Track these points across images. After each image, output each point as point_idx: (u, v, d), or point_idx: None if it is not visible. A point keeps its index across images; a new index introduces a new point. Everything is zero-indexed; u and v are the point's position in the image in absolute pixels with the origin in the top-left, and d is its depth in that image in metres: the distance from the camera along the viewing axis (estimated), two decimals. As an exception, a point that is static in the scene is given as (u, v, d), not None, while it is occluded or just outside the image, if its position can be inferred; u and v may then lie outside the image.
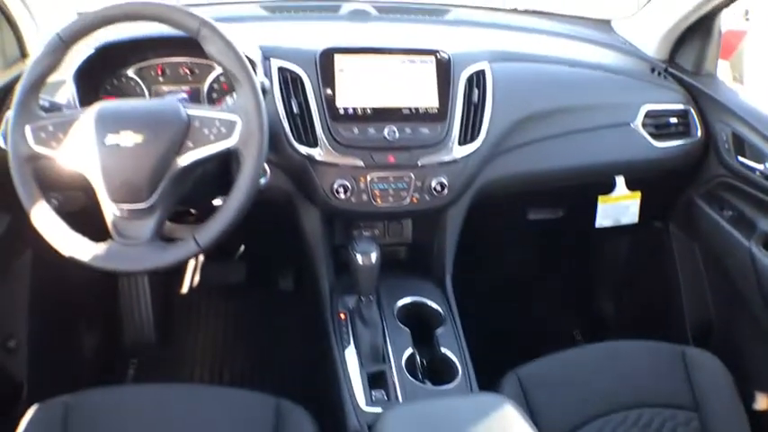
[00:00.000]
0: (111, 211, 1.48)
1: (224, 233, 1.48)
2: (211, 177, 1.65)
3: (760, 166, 2.02)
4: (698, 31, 2.30)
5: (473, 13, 2.51)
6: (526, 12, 2.60)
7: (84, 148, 1.45)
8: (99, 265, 1.48)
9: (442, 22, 2.41)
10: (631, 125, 2.15)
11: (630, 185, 2.23)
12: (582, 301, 3.03)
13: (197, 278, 2.98)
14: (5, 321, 2.16)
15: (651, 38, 2.41)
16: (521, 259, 3.02)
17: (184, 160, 1.47)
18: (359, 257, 1.71)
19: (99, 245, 1.48)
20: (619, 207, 2.26)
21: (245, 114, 1.48)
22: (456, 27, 2.35)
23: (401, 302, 1.93)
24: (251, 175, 1.47)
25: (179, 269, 2.91)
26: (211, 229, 1.48)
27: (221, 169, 1.65)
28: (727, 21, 2.38)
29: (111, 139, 1.43)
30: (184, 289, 2.97)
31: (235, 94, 1.57)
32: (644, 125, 2.17)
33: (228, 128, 1.47)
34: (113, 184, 1.45)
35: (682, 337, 2.47)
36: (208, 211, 1.54)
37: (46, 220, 1.49)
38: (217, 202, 1.72)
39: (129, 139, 1.43)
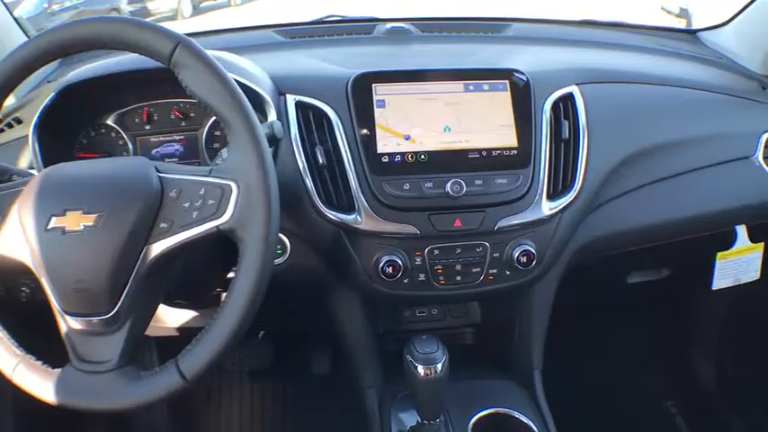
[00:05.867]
0: (65, 323, 1.06)
1: (218, 359, 1.02)
2: (205, 265, 1.24)
3: None
4: None
5: (539, 28, 2.05)
6: (600, 24, 2.14)
7: (24, 236, 1.05)
8: (52, 400, 1.05)
9: (501, 39, 1.94)
10: (751, 159, 1.69)
11: (753, 235, 1.79)
12: (677, 368, 2.54)
13: None
14: None
15: (755, 50, 1.95)
16: (620, 333, 2.50)
17: (157, 249, 1.03)
18: (420, 369, 1.24)
19: (53, 372, 1.06)
20: (739, 263, 1.83)
21: (242, 177, 1.03)
22: (520, 45, 1.88)
23: (477, 416, 1.43)
24: (254, 272, 1.01)
25: None
26: (200, 357, 1.02)
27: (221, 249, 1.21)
28: None
29: (55, 222, 1.02)
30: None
31: (228, 148, 1.12)
32: (765, 157, 1.70)
33: (218, 199, 1.03)
34: (63, 288, 1.03)
35: None
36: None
37: None
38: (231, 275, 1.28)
39: (76, 221, 1.01)
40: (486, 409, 1.45)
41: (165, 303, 1.37)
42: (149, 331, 1.23)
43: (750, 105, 1.79)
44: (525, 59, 1.59)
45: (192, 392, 2.45)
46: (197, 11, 15.33)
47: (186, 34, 1.04)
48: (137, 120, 1.53)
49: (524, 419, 1.44)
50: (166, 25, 1.06)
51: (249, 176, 1.02)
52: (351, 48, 1.85)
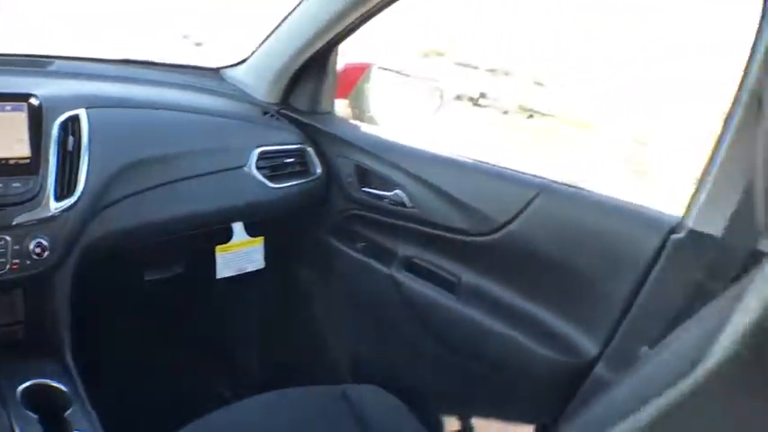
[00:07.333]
0: None
1: None
2: None
3: (388, 193, 2.11)
4: (310, 71, 2.36)
5: (80, 65, 2.32)
6: (135, 62, 2.48)
7: None
8: None
9: (44, 73, 2.19)
10: (245, 169, 2.16)
11: (252, 230, 2.22)
12: (223, 357, 2.88)
13: None
14: None
15: (262, 82, 2.44)
16: (144, 325, 2.68)
17: None
18: None
19: None
20: (240, 255, 2.23)
21: None
22: (59, 79, 2.15)
23: (23, 386, 1.70)
24: None
25: None
26: None
27: None
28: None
29: None
30: None
31: None
32: (259, 168, 2.18)
33: None
34: None
35: (341, 379, 2.45)
36: None
37: None
38: None
39: None
40: (31, 379, 1.72)
41: None
42: None
43: (250, 127, 2.27)
44: (52, 89, 1.86)
45: None
46: None
47: None
48: None
49: (60, 386, 1.73)
50: None
51: None
52: None
